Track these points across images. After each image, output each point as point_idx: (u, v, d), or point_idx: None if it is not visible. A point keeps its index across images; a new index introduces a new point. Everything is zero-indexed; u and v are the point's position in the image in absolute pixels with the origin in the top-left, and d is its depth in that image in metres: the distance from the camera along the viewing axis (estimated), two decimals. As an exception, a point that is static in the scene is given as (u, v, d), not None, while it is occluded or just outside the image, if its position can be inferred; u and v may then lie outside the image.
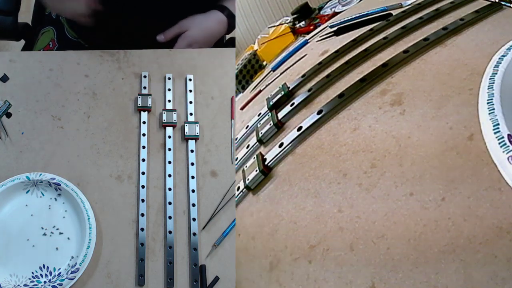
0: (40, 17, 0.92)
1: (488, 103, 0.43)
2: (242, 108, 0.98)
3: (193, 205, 0.68)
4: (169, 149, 0.73)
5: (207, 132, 0.76)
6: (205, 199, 0.69)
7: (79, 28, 0.92)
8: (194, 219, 0.67)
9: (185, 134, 0.74)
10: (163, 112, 0.76)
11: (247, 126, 0.79)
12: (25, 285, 0.59)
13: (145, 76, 0.80)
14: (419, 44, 0.61)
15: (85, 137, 0.73)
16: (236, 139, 0.79)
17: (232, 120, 0.78)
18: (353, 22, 0.91)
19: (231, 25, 0.93)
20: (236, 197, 0.63)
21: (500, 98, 0.42)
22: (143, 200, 0.68)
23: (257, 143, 0.70)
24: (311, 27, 1.43)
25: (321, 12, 1.53)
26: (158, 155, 0.73)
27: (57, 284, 0.59)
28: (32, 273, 0.60)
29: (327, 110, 0.60)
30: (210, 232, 0.67)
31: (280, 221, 0.52)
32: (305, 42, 1.10)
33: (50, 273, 0.61)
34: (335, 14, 1.35)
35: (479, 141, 0.41)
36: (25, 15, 1.09)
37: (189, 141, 0.74)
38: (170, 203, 0.68)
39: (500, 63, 0.47)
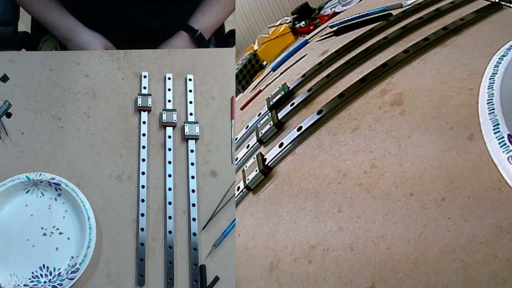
0: (40, 25, 0.94)
1: (488, 103, 0.43)
2: (242, 108, 0.97)
3: (193, 205, 0.68)
4: (169, 149, 0.73)
5: (207, 132, 0.76)
6: (205, 199, 0.69)
7: None
8: (194, 219, 0.67)
9: (185, 134, 0.74)
10: (163, 112, 0.76)
11: (247, 126, 0.79)
12: (25, 285, 0.59)
13: (145, 76, 0.80)
14: (419, 44, 0.61)
15: (85, 137, 0.73)
16: (236, 139, 0.79)
17: (232, 120, 0.78)
18: (353, 22, 0.91)
19: (199, 42, 0.94)
20: (236, 197, 0.63)
21: (500, 98, 0.42)
22: (143, 200, 0.68)
23: (257, 143, 0.70)
24: (311, 27, 1.43)
25: (321, 12, 1.53)
26: (158, 155, 0.73)
27: (57, 284, 0.59)
28: (32, 273, 0.60)
29: (327, 110, 0.60)
30: (210, 232, 0.67)
31: (280, 221, 0.52)
32: (305, 42, 1.10)
33: (50, 273, 0.61)
34: (335, 14, 1.35)
35: (479, 141, 0.41)
36: (24, 24, 1.10)
37: (189, 141, 0.74)
38: (170, 203, 0.68)
39: (500, 63, 0.47)
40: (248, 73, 1.64)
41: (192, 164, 0.72)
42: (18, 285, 0.59)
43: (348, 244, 0.43)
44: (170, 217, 0.67)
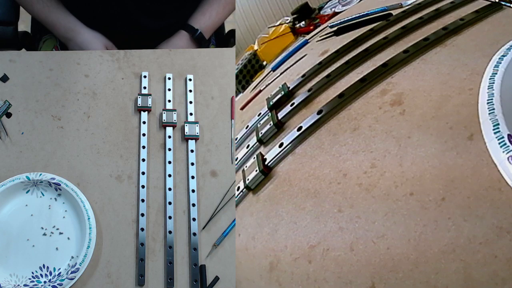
0: (40, 25, 0.94)
1: (488, 103, 0.43)
2: (242, 108, 0.97)
3: (193, 205, 0.68)
4: (169, 149, 0.73)
5: (207, 132, 0.76)
6: (205, 199, 0.69)
7: None
8: (194, 219, 0.67)
9: (185, 134, 0.74)
10: (163, 112, 0.76)
11: (247, 126, 0.79)
12: (25, 285, 0.59)
13: (145, 76, 0.80)
14: (419, 44, 0.61)
15: (85, 137, 0.73)
16: (236, 139, 0.79)
17: (232, 120, 0.78)
18: (353, 22, 0.91)
19: (200, 41, 0.94)
20: (236, 197, 0.63)
21: (500, 98, 0.42)
22: (143, 200, 0.68)
23: (257, 143, 0.70)
24: (311, 27, 1.43)
25: (321, 12, 1.53)
26: (158, 155, 0.73)
27: (57, 284, 0.59)
28: (32, 273, 0.60)
29: (327, 110, 0.60)
30: (210, 232, 0.67)
31: (280, 221, 0.52)
32: (305, 42, 1.10)
33: (50, 273, 0.61)
34: (335, 14, 1.35)
35: (479, 141, 0.41)
36: (24, 24, 1.10)
37: (189, 141, 0.74)
38: (170, 203, 0.68)
39: (500, 63, 0.47)
40: (248, 73, 1.64)
41: (192, 164, 0.72)
42: (18, 285, 0.59)
43: (348, 244, 0.43)
44: (170, 217, 0.67)
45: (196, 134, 0.74)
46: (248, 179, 0.61)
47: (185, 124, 0.75)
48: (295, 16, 1.61)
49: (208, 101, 0.79)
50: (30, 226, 0.64)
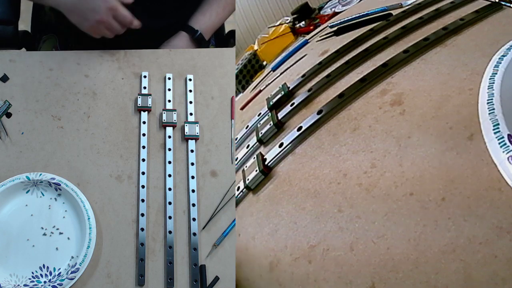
0: (40, 24, 0.93)
1: (488, 103, 0.43)
2: (242, 108, 0.98)
3: (193, 205, 0.68)
4: (169, 149, 0.73)
5: (207, 132, 0.76)
6: (205, 199, 0.69)
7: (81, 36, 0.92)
8: (194, 219, 0.67)
9: (185, 134, 0.74)
10: (163, 112, 0.76)
11: (247, 126, 0.79)
12: (25, 285, 0.59)
13: (145, 76, 0.80)
14: (419, 44, 0.61)
15: (85, 137, 0.73)
16: (236, 139, 0.79)
17: (232, 120, 0.78)
18: (353, 22, 0.91)
19: (199, 42, 0.93)
20: (236, 197, 0.63)
21: (500, 98, 0.43)
22: (143, 200, 0.68)
23: (257, 143, 0.70)
24: (311, 27, 1.43)
25: (321, 12, 1.53)
26: (158, 155, 0.73)
27: (57, 284, 0.59)
28: (32, 273, 0.60)
29: (327, 110, 0.60)
30: (210, 232, 0.67)
31: (280, 221, 0.52)
32: (305, 42, 1.10)
33: (50, 273, 0.61)
34: (335, 14, 1.35)
35: (479, 141, 0.41)
36: (25, 23, 1.10)
37: (189, 141, 0.74)
38: (170, 203, 0.68)
39: (500, 63, 0.47)
40: (248, 73, 1.64)
41: (192, 164, 0.72)
42: (18, 285, 0.59)
43: (348, 244, 0.43)
44: (170, 217, 0.67)
45: (196, 134, 0.74)
46: (248, 179, 0.61)
47: (185, 124, 0.75)
48: (295, 16, 1.61)
49: (208, 101, 0.79)
50: (30, 226, 0.64)
